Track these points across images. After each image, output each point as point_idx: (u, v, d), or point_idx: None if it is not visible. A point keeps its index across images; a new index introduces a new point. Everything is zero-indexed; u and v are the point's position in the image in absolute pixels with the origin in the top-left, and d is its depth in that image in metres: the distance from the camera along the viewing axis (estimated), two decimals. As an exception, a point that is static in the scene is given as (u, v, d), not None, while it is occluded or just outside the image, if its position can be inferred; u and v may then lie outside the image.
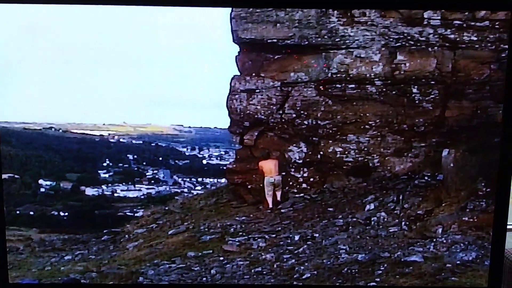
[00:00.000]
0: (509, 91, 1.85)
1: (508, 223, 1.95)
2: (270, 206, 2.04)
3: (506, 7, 1.82)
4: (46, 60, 1.87)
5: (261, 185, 2.04)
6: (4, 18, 1.81)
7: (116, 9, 1.81)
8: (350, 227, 2.03)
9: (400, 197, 2.01)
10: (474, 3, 1.84)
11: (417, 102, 1.93)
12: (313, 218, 2.05)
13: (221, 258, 2.03)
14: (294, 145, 2.01)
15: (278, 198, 2.04)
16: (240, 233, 2.04)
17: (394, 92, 1.92)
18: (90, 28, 1.83)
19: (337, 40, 1.89)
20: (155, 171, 2.06)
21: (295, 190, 2.05)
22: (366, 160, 1.99)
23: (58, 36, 1.85)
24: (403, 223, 2.01)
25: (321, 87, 1.94)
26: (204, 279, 2.00)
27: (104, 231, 2.08)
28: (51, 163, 2.06)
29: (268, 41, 1.90)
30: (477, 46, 1.87)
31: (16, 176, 2.02)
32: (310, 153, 2.02)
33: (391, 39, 1.88)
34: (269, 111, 1.97)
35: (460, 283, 1.95)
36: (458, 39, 1.87)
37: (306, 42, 1.89)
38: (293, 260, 2.01)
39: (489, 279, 1.94)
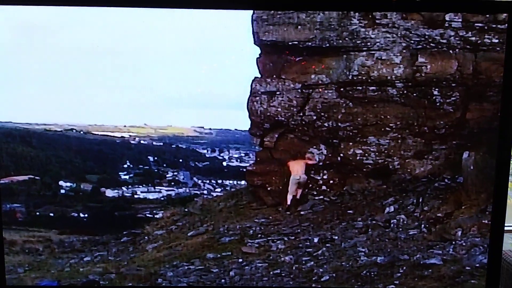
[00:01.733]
0: (506, 92, 1.86)
1: (505, 225, 1.95)
2: (288, 203, 2.03)
3: (504, 9, 1.82)
4: (67, 61, 1.87)
5: (281, 187, 2.03)
6: (19, 19, 1.82)
7: (136, 9, 1.81)
8: (370, 230, 2.02)
9: (420, 200, 2.01)
10: (471, 5, 1.84)
11: (438, 104, 1.93)
12: (333, 221, 2.04)
13: (240, 260, 2.03)
14: (314, 147, 2.00)
15: (298, 197, 2.03)
16: (259, 235, 2.04)
17: (415, 94, 1.92)
18: (111, 29, 1.84)
19: (358, 42, 1.89)
20: (175, 173, 2.06)
21: (315, 192, 2.04)
22: (386, 162, 1.99)
23: (78, 37, 1.85)
24: (422, 225, 2.00)
25: (341, 89, 1.94)
26: (223, 280, 2.00)
27: (124, 233, 2.08)
28: (72, 164, 2.06)
29: (289, 43, 1.90)
30: (498, 48, 1.86)
31: (36, 177, 2.02)
32: (330, 155, 2.02)
33: (412, 41, 1.88)
34: (290, 113, 1.97)
35: (479, 286, 1.95)
36: (479, 41, 1.87)
37: (327, 44, 1.89)
38: (312, 262, 2.01)
39: (486, 281, 1.93)
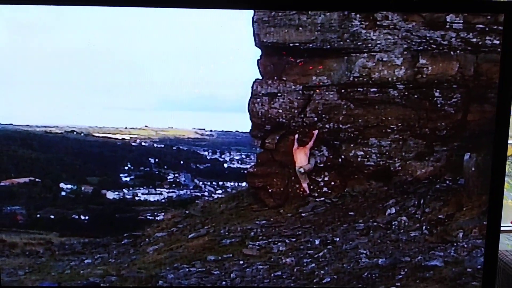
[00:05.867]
0: (502, 92, 1.87)
1: (502, 225, 1.96)
2: (307, 192, 2.02)
3: (500, 9, 1.83)
4: (68, 63, 1.87)
5: (282, 189, 2.03)
6: (17, 19, 1.82)
7: (136, 10, 1.81)
8: (371, 231, 2.02)
9: (421, 201, 2.00)
10: (467, 6, 1.84)
11: (439, 105, 1.93)
12: (334, 222, 2.04)
13: (241, 262, 2.02)
14: (316, 148, 2.00)
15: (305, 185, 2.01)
16: (261, 237, 2.04)
17: (416, 96, 1.92)
18: (112, 30, 1.84)
19: (359, 43, 1.89)
20: (176, 175, 2.06)
21: (316, 194, 2.04)
22: (387, 164, 1.98)
23: (78, 38, 1.85)
24: (424, 227, 2.00)
25: (343, 90, 1.94)
26: (224, 283, 2.00)
27: (125, 235, 2.07)
28: (72, 166, 2.05)
29: (290, 44, 1.89)
30: (499, 50, 1.86)
31: (37, 179, 2.02)
32: (331, 157, 2.01)
33: (414, 43, 1.88)
34: (291, 115, 1.96)
35: (480, 288, 1.95)
36: (480, 43, 1.87)
37: (328, 46, 1.89)
38: (313, 264, 2.01)
39: (482, 281, 1.94)
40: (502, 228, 1.97)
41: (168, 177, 2.06)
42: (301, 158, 1.99)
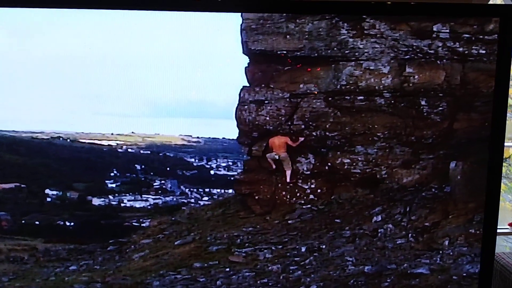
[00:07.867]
0: (498, 97, 1.89)
1: (498, 227, 1.96)
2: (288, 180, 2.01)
3: (495, 13, 1.85)
4: (54, 68, 1.86)
5: (269, 196, 2.03)
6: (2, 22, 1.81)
7: (124, 14, 1.81)
8: (357, 239, 2.02)
9: (408, 209, 2.01)
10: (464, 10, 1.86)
11: (425, 114, 1.94)
12: (320, 230, 2.04)
13: (227, 269, 2.02)
14: (302, 156, 2.00)
15: (288, 179, 2.01)
16: (247, 244, 2.04)
17: (403, 104, 1.93)
18: (98, 36, 1.83)
19: (346, 52, 1.89)
20: (163, 181, 2.05)
21: (303, 201, 2.04)
22: (374, 171, 1.99)
23: (64, 44, 1.84)
24: (410, 235, 2.01)
25: (330, 98, 1.94)
26: (210, 290, 2.00)
27: (110, 241, 2.06)
28: (59, 172, 2.04)
29: (278, 52, 1.90)
30: (485, 59, 1.88)
31: (22, 185, 2.01)
32: (318, 164, 2.01)
33: (401, 52, 1.89)
34: (278, 122, 1.96)
35: (466, 296, 1.96)
36: (467, 52, 1.88)
37: (316, 54, 1.89)
38: (300, 272, 2.01)
39: (479, 283, 1.94)
40: (499, 230, 1.98)
41: (154, 184, 2.05)
42: (280, 146, 1.98)
